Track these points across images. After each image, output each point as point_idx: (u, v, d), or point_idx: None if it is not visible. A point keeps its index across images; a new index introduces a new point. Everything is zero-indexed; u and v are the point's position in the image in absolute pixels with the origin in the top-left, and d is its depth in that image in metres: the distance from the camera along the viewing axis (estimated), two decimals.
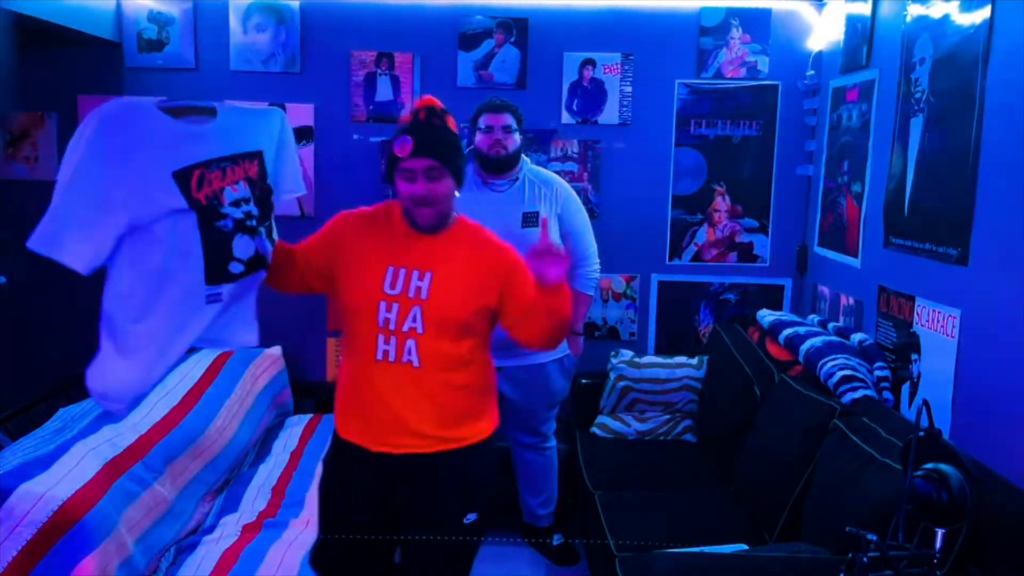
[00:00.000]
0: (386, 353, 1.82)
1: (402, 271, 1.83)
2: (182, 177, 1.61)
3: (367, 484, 1.89)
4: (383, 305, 1.82)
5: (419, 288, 1.82)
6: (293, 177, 1.93)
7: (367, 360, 1.84)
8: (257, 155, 1.78)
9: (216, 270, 1.67)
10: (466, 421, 1.90)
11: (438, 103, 1.88)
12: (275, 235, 1.87)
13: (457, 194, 1.88)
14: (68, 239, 1.53)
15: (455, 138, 1.86)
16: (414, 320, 1.81)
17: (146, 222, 1.57)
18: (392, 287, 1.82)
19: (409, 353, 1.81)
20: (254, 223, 1.73)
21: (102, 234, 1.55)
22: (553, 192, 2.84)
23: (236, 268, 1.71)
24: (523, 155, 2.86)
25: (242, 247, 1.70)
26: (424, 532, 1.88)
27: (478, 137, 2.76)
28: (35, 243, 1.53)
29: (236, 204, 1.69)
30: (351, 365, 1.91)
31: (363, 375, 1.87)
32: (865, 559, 1.27)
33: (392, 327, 1.82)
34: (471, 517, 1.91)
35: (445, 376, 1.85)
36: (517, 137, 2.77)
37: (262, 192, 1.77)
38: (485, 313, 1.88)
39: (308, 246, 1.96)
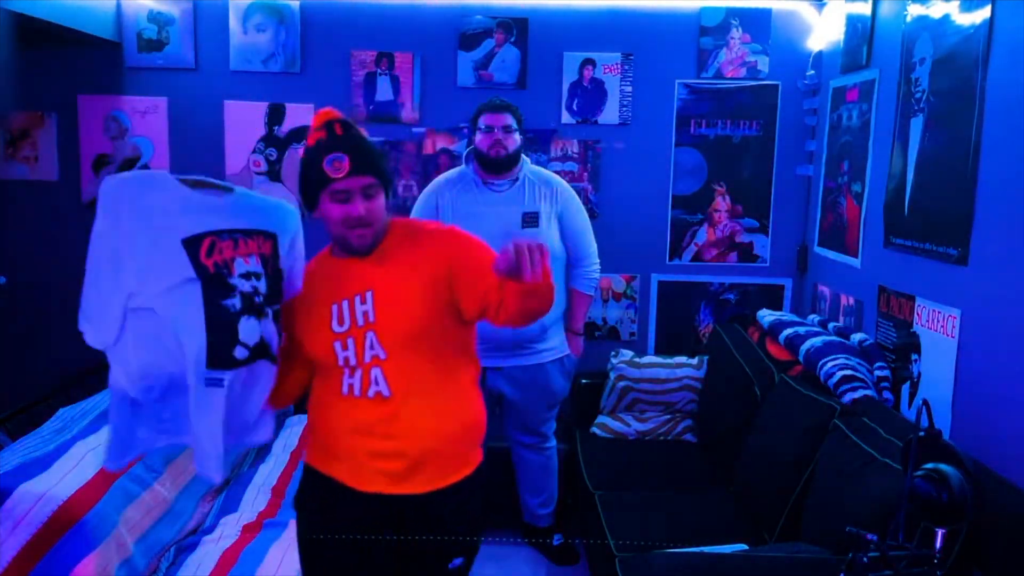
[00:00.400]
0: (351, 387, 1.66)
1: (344, 303, 1.67)
2: (192, 244, 1.53)
3: (351, 528, 1.71)
4: (338, 345, 1.66)
5: (366, 313, 1.65)
6: (292, 283, 1.72)
7: (335, 397, 1.69)
8: (272, 236, 1.66)
9: (219, 352, 1.54)
10: (448, 460, 1.72)
11: (341, 114, 1.69)
12: (281, 330, 1.70)
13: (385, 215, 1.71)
14: (94, 315, 1.51)
15: (379, 149, 1.69)
16: (372, 347, 1.65)
17: (149, 297, 1.51)
18: (340, 324, 1.66)
19: (377, 383, 1.65)
20: (261, 300, 1.60)
21: (116, 310, 1.50)
22: (553, 192, 2.84)
23: (241, 354, 1.56)
24: (523, 155, 2.86)
25: (248, 331, 1.57)
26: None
27: (478, 137, 2.76)
28: (80, 323, 1.52)
29: (246, 277, 1.58)
30: (317, 401, 1.76)
31: (332, 413, 1.71)
32: (865, 559, 1.27)
33: (354, 362, 1.66)
34: (456, 562, 1.74)
35: (421, 404, 1.67)
36: (517, 137, 2.76)
37: (274, 272, 1.65)
38: (444, 309, 1.68)
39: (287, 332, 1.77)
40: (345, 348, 1.66)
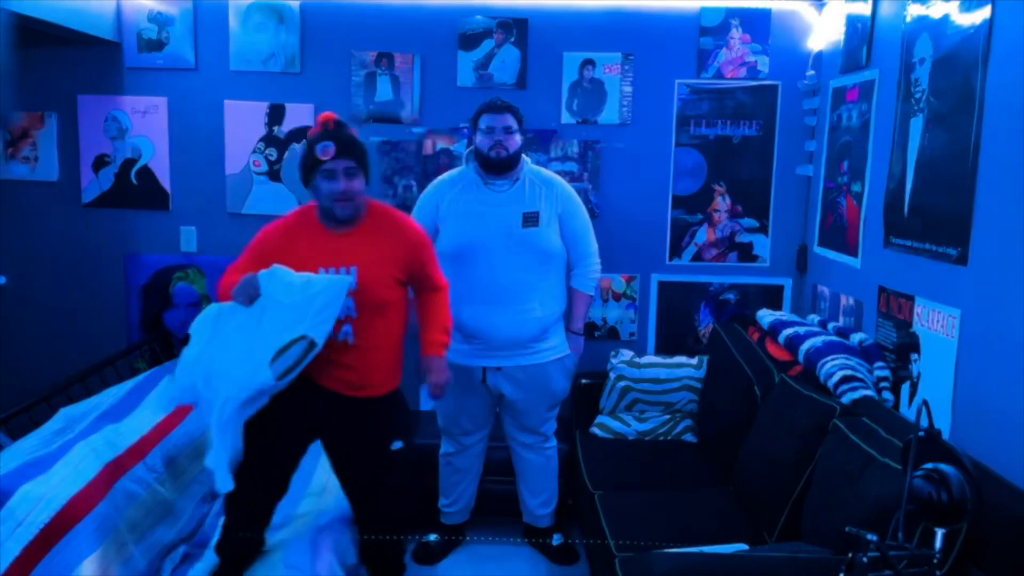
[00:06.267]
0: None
1: (331, 270, 2.15)
2: None
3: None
4: None
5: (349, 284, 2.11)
6: None
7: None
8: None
9: None
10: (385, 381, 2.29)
11: (336, 116, 2.19)
12: None
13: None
14: None
15: (363, 145, 2.21)
16: (348, 309, 2.14)
17: None
18: None
19: (345, 334, 2.18)
20: None
21: None
22: (553, 192, 2.84)
23: None
24: (524, 155, 2.86)
25: None
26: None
27: (478, 138, 2.76)
28: None
29: None
30: None
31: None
32: (865, 559, 1.27)
33: None
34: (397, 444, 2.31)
35: (372, 347, 2.23)
36: (518, 138, 2.77)
37: None
38: (402, 285, 2.28)
39: (244, 268, 2.17)
40: None
